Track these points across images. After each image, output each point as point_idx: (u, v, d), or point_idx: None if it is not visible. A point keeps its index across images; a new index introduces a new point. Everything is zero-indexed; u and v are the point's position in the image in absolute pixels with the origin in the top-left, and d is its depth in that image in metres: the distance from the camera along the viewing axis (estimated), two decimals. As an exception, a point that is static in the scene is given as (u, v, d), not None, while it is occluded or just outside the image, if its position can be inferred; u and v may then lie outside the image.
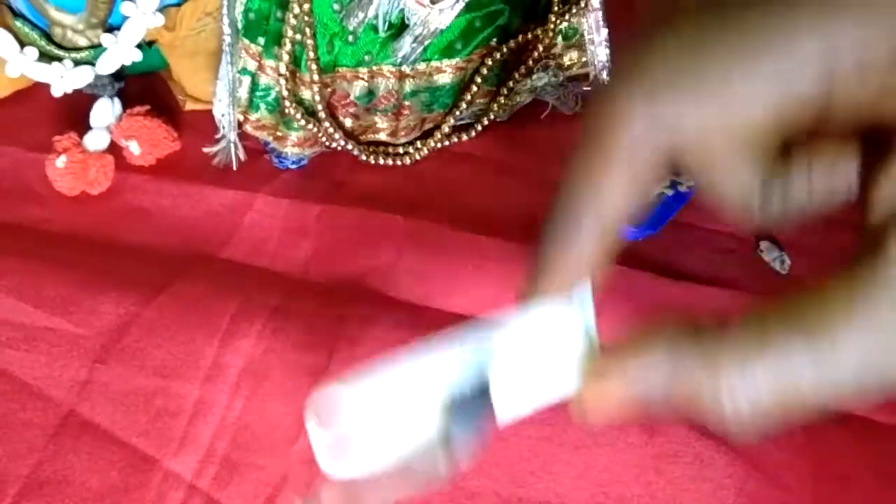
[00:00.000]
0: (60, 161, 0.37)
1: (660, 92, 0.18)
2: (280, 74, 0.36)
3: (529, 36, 0.42)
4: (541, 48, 0.42)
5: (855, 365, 0.17)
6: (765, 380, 0.17)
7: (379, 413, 0.24)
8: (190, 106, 0.42)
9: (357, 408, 0.23)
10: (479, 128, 0.43)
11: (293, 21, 0.35)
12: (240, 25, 0.37)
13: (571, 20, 0.42)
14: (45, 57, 0.39)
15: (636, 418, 0.32)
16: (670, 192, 0.39)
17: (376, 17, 0.37)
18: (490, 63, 0.41)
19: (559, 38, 0.43)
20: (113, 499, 0.29)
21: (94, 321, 0.33)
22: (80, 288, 0.34)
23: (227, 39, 0.37)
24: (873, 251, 0.17)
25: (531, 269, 0.22)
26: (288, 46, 0.36)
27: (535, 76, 0.43)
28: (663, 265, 0.38)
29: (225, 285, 0.36)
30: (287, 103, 0.37)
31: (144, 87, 0.44)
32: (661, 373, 0.18)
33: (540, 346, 0.25)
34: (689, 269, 0.38)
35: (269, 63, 0.38)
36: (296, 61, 0.37)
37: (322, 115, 0.38)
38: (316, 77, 0.37)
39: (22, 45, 0.38)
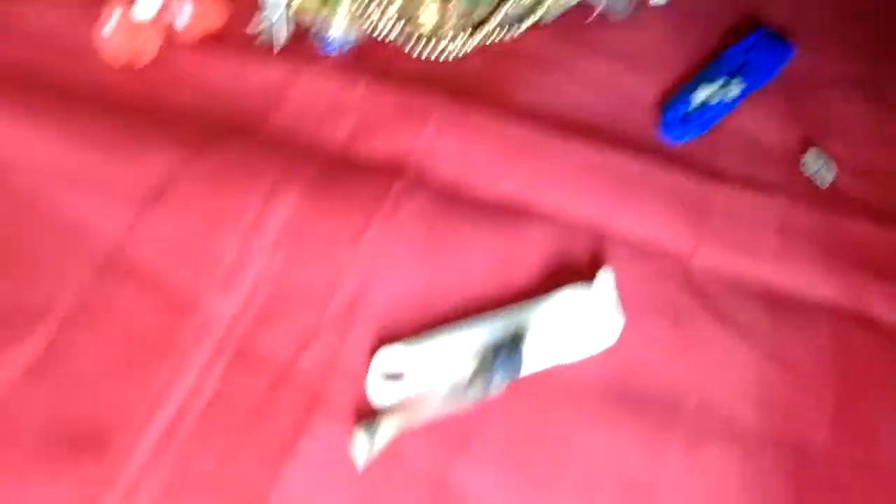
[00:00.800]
0: (108, 28, 0.38)
1: None
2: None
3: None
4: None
5: None
6: None
7: (432, 358, 0.30)
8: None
9: (415, 357, 0.30)
10: (525, 27, 0.43)
11: None
12: None
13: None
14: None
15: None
16: (717, 98, 0.39)
17: None
18: (543, -41, 0.41)
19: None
20: (154, 332, 0.31)
21: (144, 168, 0.34)
22: (132, 138, 0.35)
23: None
24: None
25: None
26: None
27: (586, -23, 0.43)
28: (704, 167, 0.38)
29: (269, 151, 0.36)
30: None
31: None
32: None
33: (569, 317, 0.32)
34: (730, 172, 0.38)
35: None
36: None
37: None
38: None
39: None
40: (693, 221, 0.36)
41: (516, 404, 0.31)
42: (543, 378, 0.31)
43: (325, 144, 0.38)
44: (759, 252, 0.35)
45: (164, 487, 0.27)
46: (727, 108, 0.40)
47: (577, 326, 0.32)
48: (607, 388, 0.31)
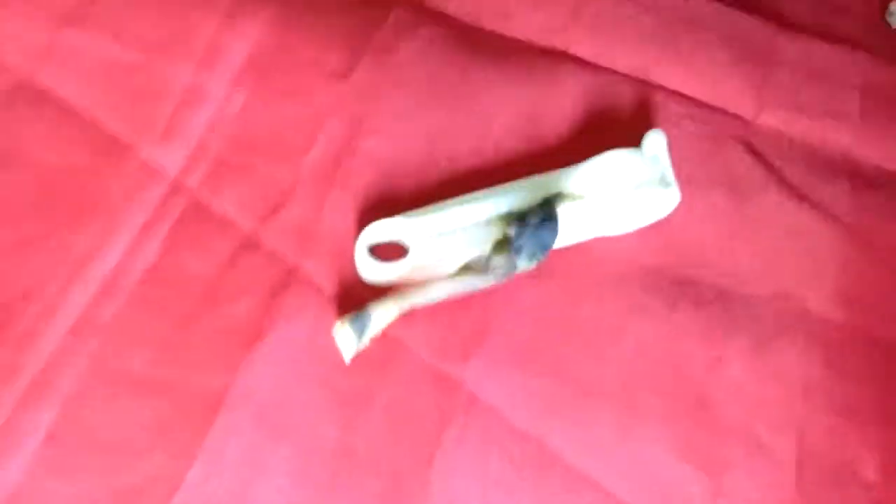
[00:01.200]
0: None
1: None
2: None
3: None
4: None
5: None
6: None
7: (443, 225, 0.24)
8: None
9: (416, 229, 0.23)
10: None
11: None
12: None
13: None
14: None
15: None
16: None
17: None
18: None
19: None
20: (74, 181, 0.23)
21: (61, -26, 0.26)
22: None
23: None
24: None
25: None
26: None
27: None
28: (770, 12, 0.30)
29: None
30: None
31: None
32: None
33: (613, 184, 0.24)
34: (801, 20, 0.31)
35: None
36: None
37: None
38: None
39: None
40: (758, 74, 0.29)
41: (545, 288, 0.24)
42: (579, 256, 0.25)
43: (305, -40, 0.30)
44: (838, 114, 0.29)
45: (82, 382, 0.21)
46: None
47: (624, 194, 0.25)
48: (657, 271, 0.25)
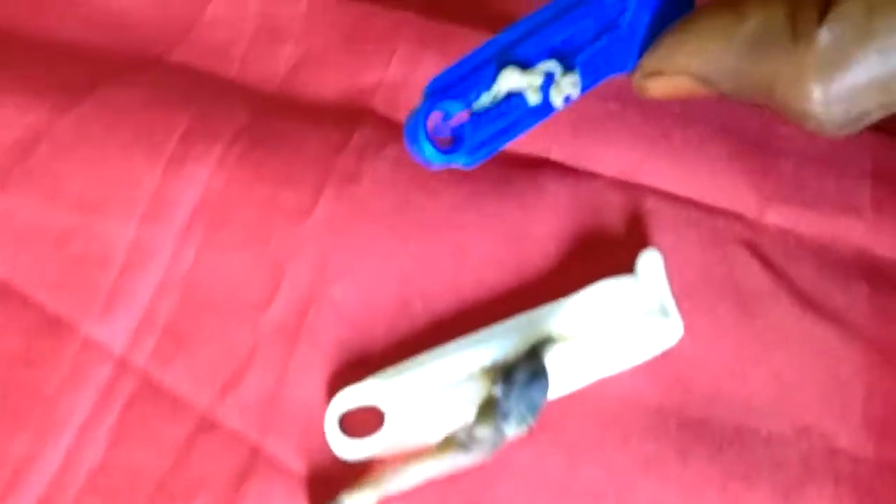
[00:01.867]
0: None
1: None
2: None
3: None
4: None
5: None
6: (865, 76, 0.18)
7: (419, 387, 0.21)
8: None
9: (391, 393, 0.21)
10: None
11: None
12: None
13: None
14: None
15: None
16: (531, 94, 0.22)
17: None
18: None
19: None
20: (12, 371, 0.21)
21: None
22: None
23: None
24: None
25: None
26: None
27: None
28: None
29: (174, 95, 0.26)
30: None
31: None
32: (740, 55, 0.19)
33: (607, 319, 0.22)
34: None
35: None
36: None
37: None
38: None
39: None
40: (758, 167, 0.27)
41: (540, 448, 0.22)
42: (576, 406, 0.22)
43: (256, 83, 0.27)
44: (848, 206, 0.26)
45: None
46: (545, 115, 0.22)
47: (618, 330, 0.23)
48: (664, 414, 0.23)
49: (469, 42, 0.28)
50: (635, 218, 0.26)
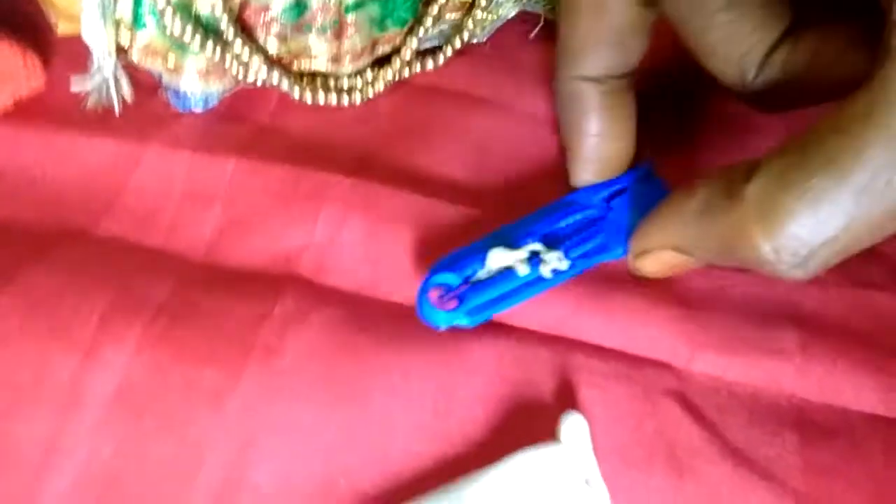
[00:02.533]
0: None
1: None
2: (160, -23, 0.26)
3: (513, -73, 0.31)
4: (528, -57, 0.32)
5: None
6: (806, 229, 0.20)
7: None
8: (64, 30, 0.32)
9: None
10: (450, 52, 0.33)
11: None
12: None
13: None
14: None
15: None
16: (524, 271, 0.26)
17: None
18: (462, -37, 0.31)
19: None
20: None
21: None
22: None
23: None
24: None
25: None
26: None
27: (521, -19, 0.33)
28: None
29: (96, 272, 0.26)
30: (170, 20, 0.27)
31: (7, 5, 0.33)
32: (697, 225, 0.23)
33: (525, 490, 0.22)
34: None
35: (153, -38, 0.27)
36: (188, -41, 0.27)
37: (228, 35, 0.28)
38: (215, -19, 0.27)
39: None
40: (685, 317, 0.27)
41: None
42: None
43: (181, 252, 0.27)
44: (775, 353, 0.26)
45: None
46: (536, 287, 0.26)
47: (543, 501, 0.23)
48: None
49: (395, 201, 0.28)
50: (563, 374, 0.26)
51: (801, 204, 0.19)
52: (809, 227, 0.20)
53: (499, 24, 0.34)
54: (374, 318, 0.26)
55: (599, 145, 0.28)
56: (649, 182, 0.29)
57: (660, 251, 0.25)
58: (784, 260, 0.20)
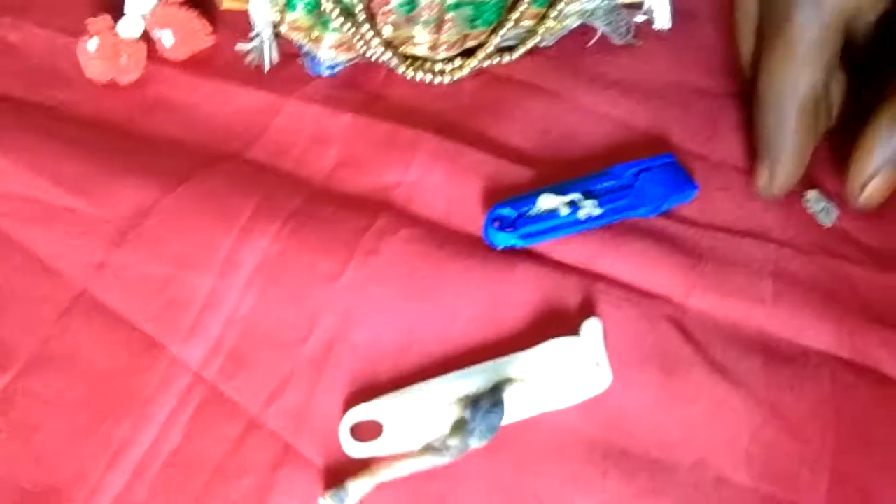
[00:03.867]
0: (92, 44, 0.37)
1: None
2: (319, -30, 0.35)
3: (584, -44, 0.40)
4: (595, -31, 0.40)
5: None
6: None
7: (411, 408, 0.29)
8: (227, 5, 0.41)
9: (390, 410, 0.29)
10: (523, 50, 0.41)
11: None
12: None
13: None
14: (85, -62, 0.38)
15: None
16: (566, 211, 0.35)
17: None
18: (540, -19, 0.39)
19: (615, -37, 0.41)
20: (119, 379, 0.29)
21: (112, 204, 0.33)
22: (101, 171, 0.34)
23: (268, -68, 0.36)
24: None
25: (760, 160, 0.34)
26: (329, -58, 0.35)
27: None
28: (698, 208, 0.36)
29: (246, 183, 0.35)
30: (325, 0, 0.36)
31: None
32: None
33: (554, 367, 0.30)
34: (724, 214, 0.36)
35: (309, -41, 0.36)
36: (337, -42, 0.36)
37: (361, 17, 0.37)
38: (356, -23, 0.36)
39: (61, -77, 0.37)
40: (686, 265, 0.34)
41: (497, 460, 0.29)
42: (526, 430, 0.30)
43: (308, 176, 0.36)
44: (754, 298, 0.34)
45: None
46: (574, 226, 0.34)
47: (562, 376, 0.30)
48: (593, 442, 0.30)
49: (471, 158, 0.37)
50: (587, 294, 0.33)
51: None
52: None
53: (564, 32, 0.42)
54: (447, 239, 0.34)
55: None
56: (668, 167, 0.36)
57: (876, 175, 0.30)
58: None
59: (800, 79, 0.29)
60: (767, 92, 0.31)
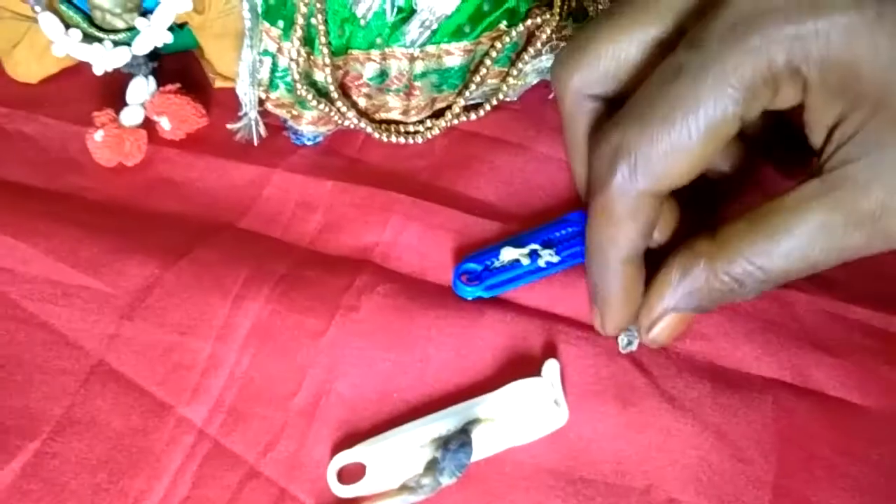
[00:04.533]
0: (98, 135, 0.41)
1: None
2: (292, 59, 0.39)
3: (539, 20, 0.43)
4: (549, 31, 0.44)
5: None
6: (759, 264, 0.29)
7: (390, 451, 0.33)
8: (219, 84, 0.45)
9: (372, 455, 0.33)
10: (489, 107, 0.45)
11: (303, 8, 0.38)
12: (259, 10, 0.40)
13: (581, 2, 0.44)
14: (88, 38, 0.42)
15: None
16: (526, 261, 0.38)
17: (384, 2, 0.39)
18: (499, 46, 0.43)
19: (569, 21, 0.45)
20: (133, 439, 0.33)
21: (122, 281, 0.37)
22: (112, 251, 0.38)
23: (248, 24, 0.40)
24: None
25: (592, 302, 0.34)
26: (299, 32, 0.39)
27: (544, 57, 0.45)
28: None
29: (240, 253, 0.39)
30: (299, 85, 0.40)
31: (180, 65, 0.47)
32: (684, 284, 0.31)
33: (517, 406, 0.34)
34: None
35: (286, 45, 0.41)
36: (309, 43, 0.40)
37: (334, 95, 0.41)
38: (328, 60, 0.40)
39: (67, 27, 0.42)
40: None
41: (467, 494, 0.33)
42: (494, 464, 0.33)
43: (294, 241, 0.40)
44: (700, 332, 0.37)
45: None
46: (535, 274, 0.38)
47: (526, 414, 0.34)
48: (556, 472, 0.33)
49: (442, 215, 0.40)
50: (549, 336, 0.37)
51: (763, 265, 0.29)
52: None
53: (526, 87, 0.46)
54: (421, 292, 0.38)
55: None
56: None
57: (665, 316, 0.32)
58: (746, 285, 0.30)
59: (620, 236, 0.30)
60: (591, 243, 0.31)
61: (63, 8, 0.43)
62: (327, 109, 0.41)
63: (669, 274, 0.31)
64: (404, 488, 0.32)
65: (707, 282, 0.30)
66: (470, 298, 0.37)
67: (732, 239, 0.29)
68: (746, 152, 0.35)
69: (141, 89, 0.43)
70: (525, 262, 0.38)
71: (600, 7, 0.45)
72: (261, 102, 0.43)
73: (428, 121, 0.45)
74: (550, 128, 0.45)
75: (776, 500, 0.33)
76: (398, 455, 0.33)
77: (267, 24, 0.41)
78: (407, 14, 0.40)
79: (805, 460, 0.34)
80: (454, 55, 0.42)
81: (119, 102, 0.43)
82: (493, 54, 0.43)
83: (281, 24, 0.40)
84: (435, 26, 0.40)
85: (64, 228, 0.39)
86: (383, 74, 0.42)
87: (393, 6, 0.39)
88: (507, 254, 0.38)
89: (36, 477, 0.32)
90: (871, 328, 0.37)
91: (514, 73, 0.45)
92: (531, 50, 0.44)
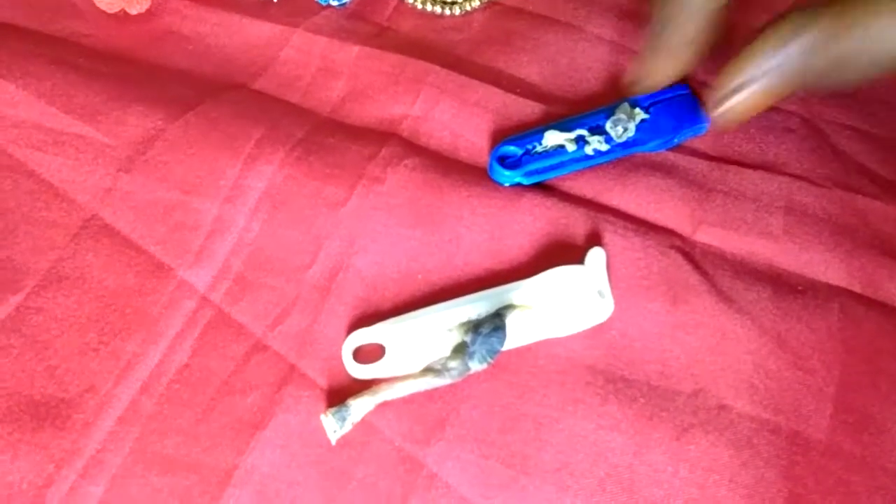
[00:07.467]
0: (101, -26, 0.37)
1: None
2: None
3: None
4: None
5: None
6: None
7: (413, 333, 0.29)
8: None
9: (392, 334, 0.29)
10: (535, -18, 0.41)
11: None
12: None
13: None
14: None
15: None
16: (572, 148, 0.34)
17: None
18: None
19: None
20: (127, 299, 0.30)
21: (121, 131, 0.33)
22: (111, 98, 0.34)
23: None
24: None
25: (642, 53, 0.32)
26: None
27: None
28: (708, 142, 0.36)
29: (253, 112, 0.35)
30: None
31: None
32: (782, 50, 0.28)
33: (557, 295, 0.30)
34: (735, 147, 0.36)
35: None
36: None
37: (367, -55, 0.36)
38: None
39: None
40: (695, 198, 0.34)
41: (497, 383, 0.29)
42: (528, 355, 0.30)
43: (314, 107, 0.36)
44: (763, 230, 0.33)
45: (126, 462, 0.27)
46: (580, 162, 0.34)
47: (566, 304, 0.31)
48: (594, 369, 0.30)
49: (479, 92, 0.36)
50: (593, 225, 0.33)
51: None
52: None
53: (578, -37, 0.41)
54: (452, 168, 0.34)
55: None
56: (682, 99, 0.36)
57: (750, 85, 0.29)
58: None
59: None
60: None
61: None
62: (359, -39, 0.37)
63: (767, 41, 0.28)
64: (429, 370, 0.28)
65: (812, 52, 0.27)
66: (507, 185, 0.33)
67: (856, 8, 0.26)
68: None
69: (150, -70, 0.39)
70: (570, 147, 0.34)
71: None
72: (285, -44, 0.38)
73: (467, -9, 0.40)
74: (603, 7, 0.40)
75: (837, 414, 0.29)
76: (422, 337, 0.30)
77: None
78: None
79: (871, 374, 0.30)
80: (503, -86, 0.38)
81: (126, -56, 0.39)
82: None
83: None
84: None
85: (58, 71, 0.35)
86: (423, -68, 0.37)
87: None
88: (552, 138, 0.34)
89: (17, 332, 0.29)
90: (949, 241, 0.34)
91: (567, -57, 0.40)
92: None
